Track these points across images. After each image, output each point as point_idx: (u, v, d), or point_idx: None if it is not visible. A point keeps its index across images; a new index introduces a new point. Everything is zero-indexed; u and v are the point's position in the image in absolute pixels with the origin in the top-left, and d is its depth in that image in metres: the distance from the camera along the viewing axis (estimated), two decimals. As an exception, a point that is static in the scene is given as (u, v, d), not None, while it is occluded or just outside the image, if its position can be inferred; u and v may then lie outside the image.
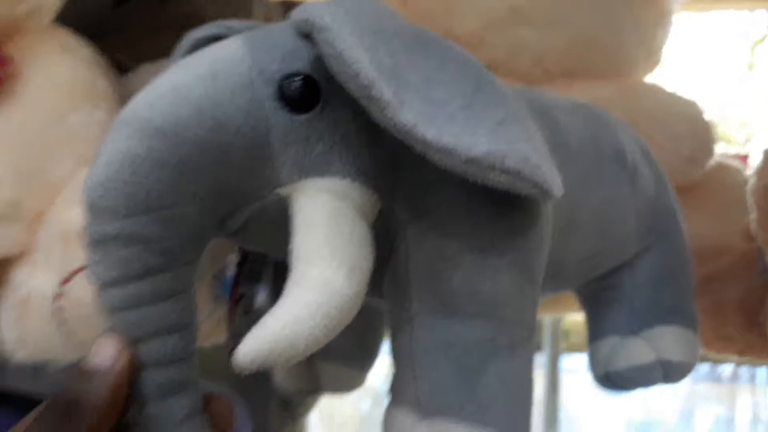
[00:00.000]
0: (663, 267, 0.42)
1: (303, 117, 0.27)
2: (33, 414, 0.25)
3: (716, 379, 2.18)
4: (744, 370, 2.11)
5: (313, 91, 0.27)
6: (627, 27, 0.55)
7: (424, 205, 0.29)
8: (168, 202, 0.25)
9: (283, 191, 0.27)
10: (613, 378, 0.42)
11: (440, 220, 0.29)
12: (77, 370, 0.26)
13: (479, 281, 0.28)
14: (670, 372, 0.40)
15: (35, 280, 0.44)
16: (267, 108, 0.26)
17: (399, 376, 0.30)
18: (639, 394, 2.07)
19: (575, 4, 0.54)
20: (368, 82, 0.24)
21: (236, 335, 0.41)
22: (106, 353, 0.25)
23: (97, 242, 0.25)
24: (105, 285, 0.25)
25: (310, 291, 0.24)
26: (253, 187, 0.27)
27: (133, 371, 0.26)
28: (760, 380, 2.07)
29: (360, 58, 0.24)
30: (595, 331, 0.44)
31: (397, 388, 0.30)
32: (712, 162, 0.56)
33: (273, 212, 0.28)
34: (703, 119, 0.56)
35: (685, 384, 2.21)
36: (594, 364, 0.43)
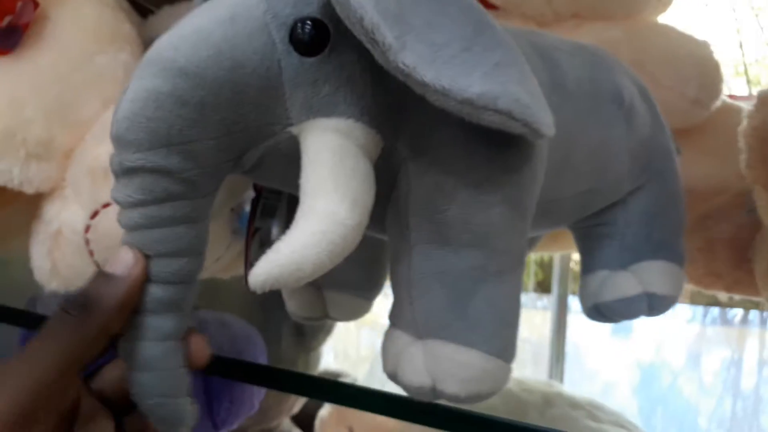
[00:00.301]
0: (655, 205, 0.43)
1: (312, 59, 0.28)
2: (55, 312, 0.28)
3: (726, 322, 2.21)
4: (754, 314, 2.14)
5: (323, 34, 0.28)
6: (637, -33, 0.54)
7: (426, 143, 0.31)
8: (189, 137, 0.27)
9: (293, 130, 0.29)
10: (601, 309, 0.43)
11: (439, 158, 0.31)
12: (96, 273, 0.28)
13: (473, 214, 0.30)
14: (655, 304, 0.42)
15: (66, 214, 0.46)
16: (279, 50, 0.28)
17: (397, 301, 0.33)
18: (649, 336, 2.11)
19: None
20: (371, 26, 0.26)
21: (252, 266, 0.44)
22: (123, 262, 0.28)
23: (124, 172, 0.27)
24: (127, 206, 0.27)
25: (316, 221, 0.27)
26: (266, 125, 0.29)
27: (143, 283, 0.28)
28: (770, 324, 2.09)
29: (364, 4, 0.26)
30: (587, 266, 0.45)
31: (396, 312, 0.33)
32: (718, 103, 0.56)
33: (285, 149, 0.30)
34: (711, 60, 0.55)
35: (695, 327, 2.24)
36: (584, 297, 0.45)
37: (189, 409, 0.30)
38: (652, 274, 0.42)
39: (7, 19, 0.44)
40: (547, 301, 1.36)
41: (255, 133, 0.29)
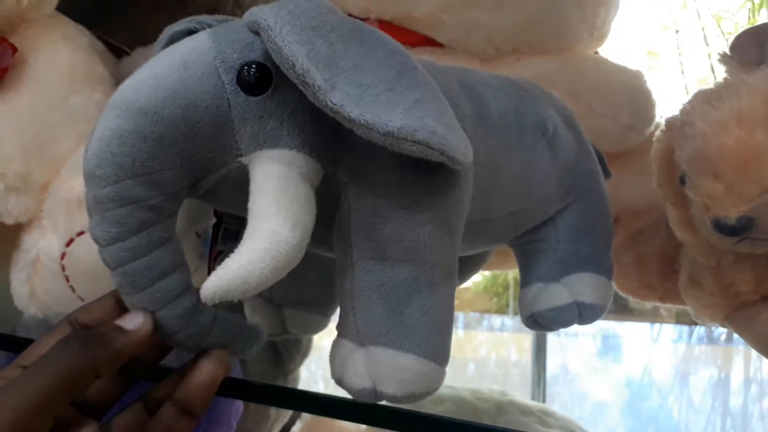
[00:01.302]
0: (582, 222, 0.47)
1: (257, 98, 0.32)
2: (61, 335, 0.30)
3: (712, 341, 2.22)
4: (739, 333, 2.15)
5: (266, 76, 0.32)
6: (569, 6, 0.59)
7: (362, 170, 0.35)
8: (150, 168, 0.31)
9: (243, 160, 0.33)
10: (536, 318, 0.47)
11: (374, 183, 0.35)
12: (110, 325, 0.31)
13: (405, 232, 0.34)
14: (584, 312, 0.45)
15: (43, 242, 0.50)
16: (228, 90, 0.32)
17: (343, 313, 0.37)
18: (637, 357, 2.13)
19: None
20: (302, 71, 0.30)
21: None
22: (135, 320, 0.31)
23: (96, 205, 0.30)
24: (107, 242, 0.30)
25: (260, 240, 0.30)
26: (219, 156, 0.33)
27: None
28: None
29: (296, 52, 0.30)
30: (524, 279, 0.49)
31: (342, 323, 0.37)
32: (651, 128, 0.60)
33: (236, 177, 0.33)
34: (643, 88, 0.59)
35: (681, 346, 2.25)
36: (522, 307, 0.48)
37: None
38: (581, 285, 0.45)
39: (-13, 64, 0.48)
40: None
41: (209, 163, 0.33)
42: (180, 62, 0.32)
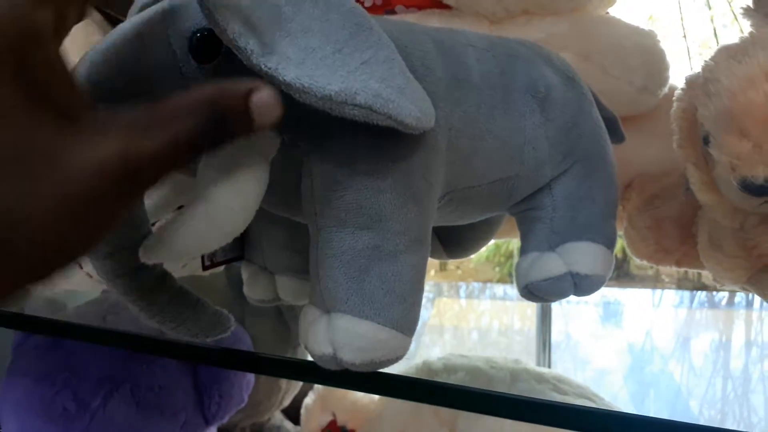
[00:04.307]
0: (580, 188, 0.45)
1: (208, 66, 0.32)
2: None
3: (713, 305, 2.24)
4: (741, 297, 2.17)
5: (215, 44, 0.32)
6: (580, -35, 0.57)
7: (321, 137, 0.34)
8: None
9: None
10: (531, 289, 0.45)
11: (334, 150, 0.34)
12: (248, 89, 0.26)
13: (364, 199, 0.33)
14: (580, 284, 0.43)
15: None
16: (180, 60, 0.32)
17: (311, 280, 0.36)
18: (638, 323, 2.14)
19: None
20: (233, 36, 0.29)
21: (208, 260, 0.48)
22: (270, 109, 0.26)
23: None
24: None
25: (201, 205, 0.30)
26: None
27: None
28: (755, 306, 2.12)
29: (227, 16, 0.29)
30: (523, 248, 0.47)
31: (311, 290, 0.36)
32: (665, 90, 0.59)
33: None
34: (657, 49, 0.58)
35: (683, 311, 2.27)
36: (517, 278, 0.46)
37: None
38: (577, 255, 0.44)
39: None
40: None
41: None
42: (134, 34, 0.32)
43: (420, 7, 0.58)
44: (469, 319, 2.24)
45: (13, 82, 0.21)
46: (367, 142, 0.34)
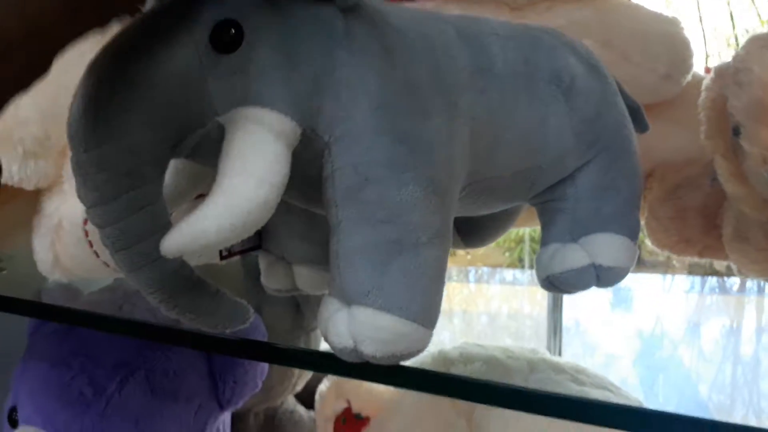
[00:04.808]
0: (604, 179, 0.44)
1: (229, 56, 0.32)
2: None
3: (725, 291, 2.23)
4: (752, 282, 2.16)
5: (237, 33, 0.32)
6: (604, -52, 0.56)
7: (342, 128, 0.34)
8: (125, 133, 0.31)
9: (220, 119, 0.33)
10: (552, 281, 0.45)
11: (355, 142, 0.34)
12: None
13: (385, 192, 0.33)
14: (603, 275, 0.43)
15: (65, 207, 0.49)
16: (201, 49, 0.32)
17: (331, 272, 0.36)
18: (648, 308, 2.14)
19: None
20: None
21: (228, 248, 0.48)
22: None
23: (78, 169, 0.31)
24: (89, 204, 0.31)
25: (221, 196, 0.30)
26: (196, 116, 0.32)
27: None
28: (767, 292, 2.11)
29: None
30: (544, 239, 0.47)
31: (330, 282, 0.36)
32: (689, 78, 0.58)
33: (216, 137, 0.33)
34: (680, 36, 0.57)
35: (693, 297, 2.26)
36: (538, 269, 0.46)
37: None
38: (600, 246, 0.43)
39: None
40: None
41: (186, 123, 0.33)
42: (154, 25, 0.32)
43: (441, -7, 0.57)
44: (478, 303, 2.24)
45: None
46: (389, 135, 0.33)
